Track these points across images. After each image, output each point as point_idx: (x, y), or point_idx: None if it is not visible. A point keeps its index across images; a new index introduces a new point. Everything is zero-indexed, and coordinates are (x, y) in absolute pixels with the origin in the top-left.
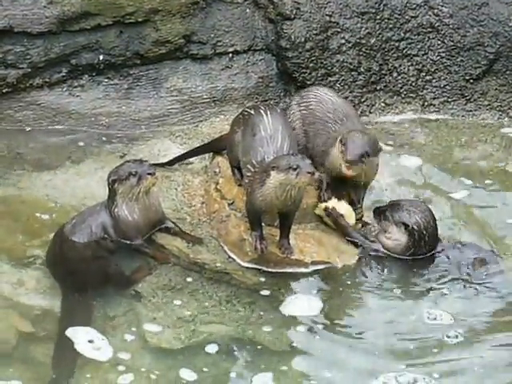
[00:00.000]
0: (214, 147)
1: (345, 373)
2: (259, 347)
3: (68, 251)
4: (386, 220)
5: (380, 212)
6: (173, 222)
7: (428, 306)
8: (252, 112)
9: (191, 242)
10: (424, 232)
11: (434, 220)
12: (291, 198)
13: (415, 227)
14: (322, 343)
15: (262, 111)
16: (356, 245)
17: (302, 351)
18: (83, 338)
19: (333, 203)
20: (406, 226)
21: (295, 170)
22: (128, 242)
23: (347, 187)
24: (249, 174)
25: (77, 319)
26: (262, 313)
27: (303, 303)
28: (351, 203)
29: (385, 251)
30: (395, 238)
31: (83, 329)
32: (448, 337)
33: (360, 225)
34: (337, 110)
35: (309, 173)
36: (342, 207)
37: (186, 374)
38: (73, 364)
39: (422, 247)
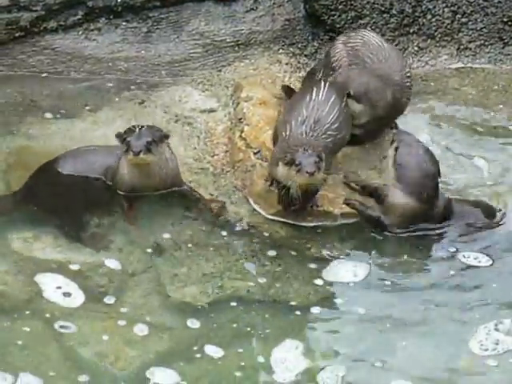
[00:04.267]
0: None
1: (439, 328)
2: (287, 304)
3: (59, 167)
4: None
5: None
6: (190, 188)
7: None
8: (313, 77)
9: (211, 208)
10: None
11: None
12: (296, 191)
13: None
14: (381, 298)
15: (322, 81)
16: None
17: (348, 310)
18: (51, 284)
19: None
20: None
21: (297, 166)
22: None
23: None
24: (281, 136)
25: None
26: (288, 267)
27: (337, 263)
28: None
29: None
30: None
31: (51, 275)
32: None
33: None
34: (379, 53)
35: (308, 173)
36: None
37: (209, 327)
38: None
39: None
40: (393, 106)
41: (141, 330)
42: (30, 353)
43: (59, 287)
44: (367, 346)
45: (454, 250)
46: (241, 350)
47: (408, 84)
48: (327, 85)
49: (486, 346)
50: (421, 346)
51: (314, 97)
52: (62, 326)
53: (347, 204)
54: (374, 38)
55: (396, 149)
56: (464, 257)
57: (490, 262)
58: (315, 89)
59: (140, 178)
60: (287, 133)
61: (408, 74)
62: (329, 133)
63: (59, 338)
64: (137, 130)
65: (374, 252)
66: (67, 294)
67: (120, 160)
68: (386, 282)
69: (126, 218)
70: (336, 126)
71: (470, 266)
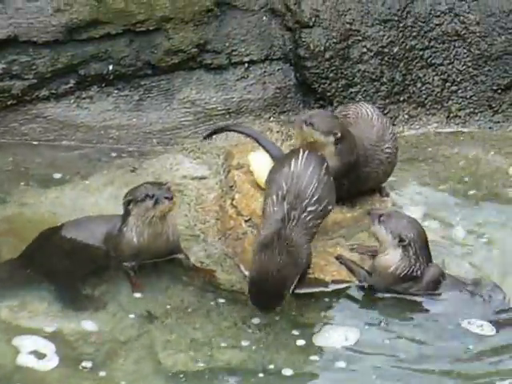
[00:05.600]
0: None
1: None
2: (279, 372)
3: (57, 236)
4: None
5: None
6: (186, 255)
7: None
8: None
9: (203, 277)
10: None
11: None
12: None
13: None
14: (375, 362)
15: (300, 150)
16: None
17: (340, 374)
18: (28, 347)
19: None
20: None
21: None
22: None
23: None
24: (265, 214)
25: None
26: (280, 335)
27: (328, 329)
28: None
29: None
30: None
31: (30, 337)
32: None
33: None
34: (363, 122)
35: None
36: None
37: None
38: None
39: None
40: (347, 171)
41: None
42: None
43: (45, 355)
44: None
45: (454, 317)
46: None
47: (380, 157)
48: (306, 153)
49: None
50: None
51: (292, 168)
52: None
53: (337, 259)
54: (366, 108)
55: (379, 220)
56: (469, 324)
57: (494, 331)
58: (294, 159)
59: (149, 238)
60: (270, 210)
61: (388, 150)
62: (309, 209)
63: None
64: (148, 185)
65: (365, 316)
66: (52, 362)
67: (126, 225)
68: (379, 347)
69: (134, 288)
70: (316, 198)
71: (470, 333)
